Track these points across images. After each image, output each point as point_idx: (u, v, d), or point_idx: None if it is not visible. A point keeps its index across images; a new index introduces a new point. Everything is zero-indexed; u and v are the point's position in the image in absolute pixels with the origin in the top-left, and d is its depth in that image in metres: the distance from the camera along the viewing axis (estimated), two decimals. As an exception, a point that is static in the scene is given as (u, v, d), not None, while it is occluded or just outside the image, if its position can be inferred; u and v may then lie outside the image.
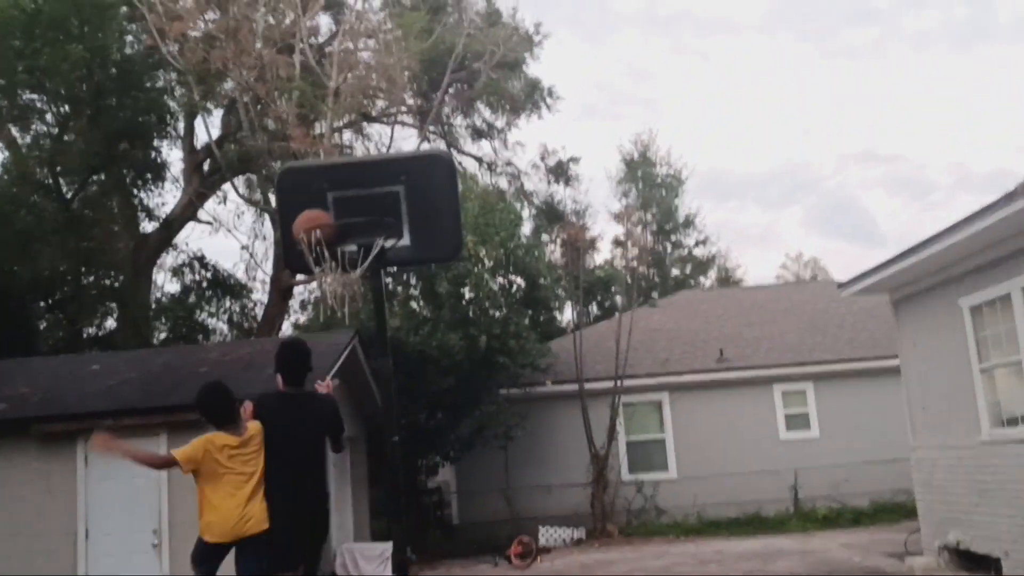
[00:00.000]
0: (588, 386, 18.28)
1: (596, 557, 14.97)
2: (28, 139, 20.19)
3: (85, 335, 20.69)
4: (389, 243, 6.02)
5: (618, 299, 25.75)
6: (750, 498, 17.89)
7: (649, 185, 32.45)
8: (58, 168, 19.01)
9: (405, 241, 6.07)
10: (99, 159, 18.62)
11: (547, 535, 17.23)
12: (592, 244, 27.55)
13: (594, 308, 27.87)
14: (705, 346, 20.10)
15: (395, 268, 13.77)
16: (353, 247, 6.04)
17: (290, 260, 6.35)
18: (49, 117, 19.36)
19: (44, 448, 11.54)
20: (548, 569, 14.24)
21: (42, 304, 20.02)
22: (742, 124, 64.73)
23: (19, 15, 16.53)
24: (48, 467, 11.53)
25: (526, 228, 22.21)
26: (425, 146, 22.71)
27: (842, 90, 64.93)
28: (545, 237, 22.83)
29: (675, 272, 33.78)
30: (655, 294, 26.54)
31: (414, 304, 18.56)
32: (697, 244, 34.70)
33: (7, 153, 20.18)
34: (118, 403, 11.95)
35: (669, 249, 33.92)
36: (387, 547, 13.22)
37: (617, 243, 32.01)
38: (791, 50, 66.07)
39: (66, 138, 19.50)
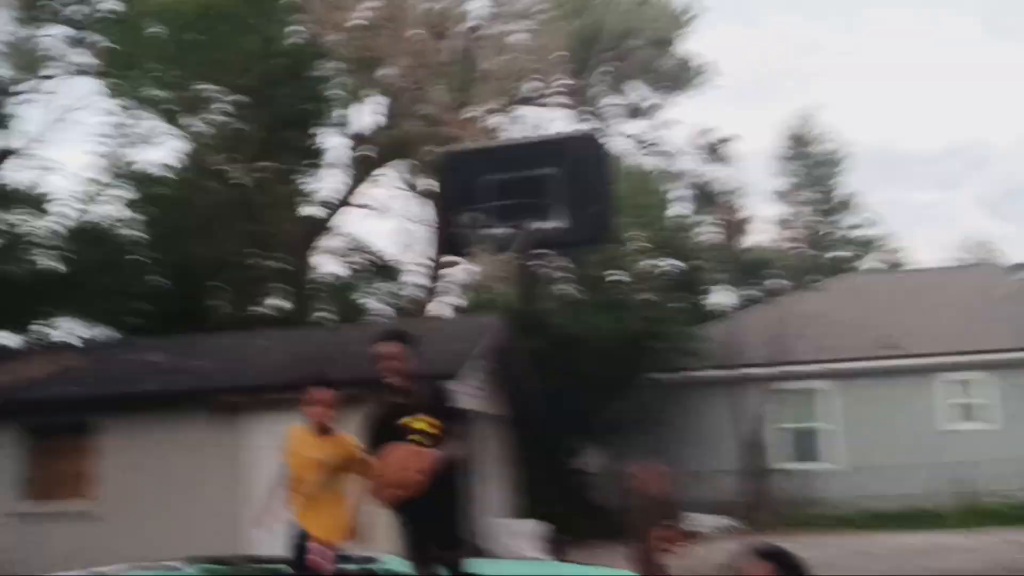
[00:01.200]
0: (742, 372, 17.87)
1: (748, 546, 14.65)
2: (205, 128, 21.41)
3: (254, 314, 21.84)
4: (543, 225, 6.12)
5: (775, 282, 25.00)
6: (913, 491, 17.02)
7: (809, 164, 31.29)
8: (231, 155, 20.09)
9: (558, 223, 6.14)
10: (267, 146, 19.58)
11: (696, 522, 16.98)
12: (747, 225, 26.88)
13: (749, 292, 27.16)
14: (868, 332, 19.22)
15: (547, 250, 13.82)
16: (507, 229, 6.16)
17: (447, 241, 6.53)
18: (222, 106, 20.48)
19: (215, 418, 12.28)
20: (697, 555, 14.05)
21: (216, 283, 21.28)
22: (909, 102, 61.32)
23: (195, 9, 17.55)
24: (220, 436, 12.26)
25: (678, 209, 21.86)
26: (577, 127, 22.65)
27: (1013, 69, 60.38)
28: (698, 218, 22.39)
29: (835, 254, 32.47)
30: (815, 277, 25.58)
31: (564, 286, 18.62)
32: (860, 225, 33.21)
33: (187, 141, 21.52)
34: (284, 378, 12.56)
35: (829, 230, 32.62)
36: (533, 525, 13.38)
37: (775, 224, 31.13)
38: (956, 26, 62.00)
39: (237, 126, 20.57)
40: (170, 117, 21.08)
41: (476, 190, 6.02)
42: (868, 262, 33.25)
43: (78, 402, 12.24)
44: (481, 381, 14.34)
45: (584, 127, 21.97)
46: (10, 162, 19.26)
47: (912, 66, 61.33)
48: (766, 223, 30.83)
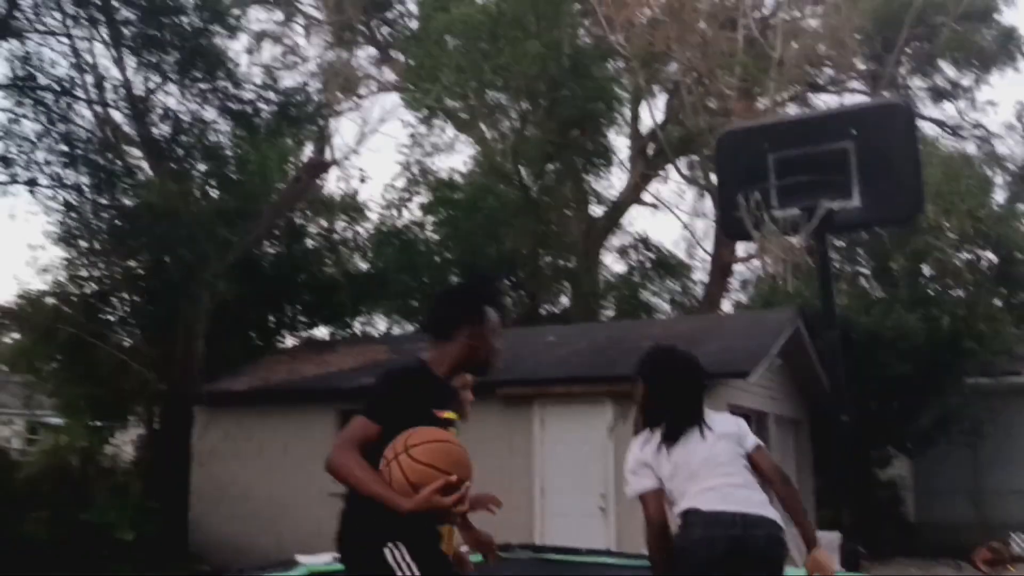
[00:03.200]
0: (1077, 378, 15.66)
1: (1089, 578, 12.74)
2: (495, 134, 22.32)
3: (542, 311, 22.41)
4: (837, 205, 5.57)
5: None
6: None
7: None
8: (519, 158, 20.73)
9: (855, 202, 5.57)
10: (554, 147, 20.00)
11: (1022, 545, 15.07)
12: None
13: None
14: None
15: (844, 236, 12.78)
16: (796, 210, 5.68)
17: (727, 226, 6.16)
18: (512, 112, 21.20)
19: (506, 410, 12.60)
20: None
21: (506, 282, 22.06)
22: None
23: (485, 19, 18.28)
24: (509, 428, 12.58)
25: (999, 196, 19.60)
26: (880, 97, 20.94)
27: None
28: (1023, 207, 19.94)
29: None
30: None
31: (864, 282, 17.31)
32: None
33: (478, 148, 22.57)
34: (568, 371, 12.69)
35: None
36: (834, 537, 12.46)
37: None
38: None
39: (526, 131, 21.20)
40: (464, 125, 22.19)
41: (760, 169, 5.58)
42: None
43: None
44: (774, 381, 13.66)
45: (888, 96, 20.06)
46: (330, 173, 21.18)
47: None
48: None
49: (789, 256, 5.59)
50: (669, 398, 3.67)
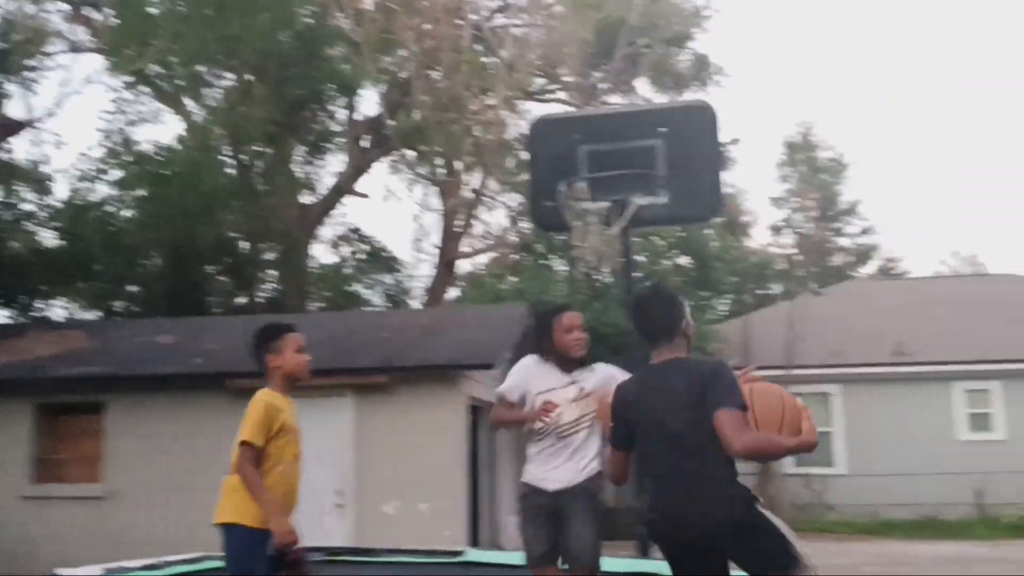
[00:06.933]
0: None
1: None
2: (208, 107, 20.75)
3: (249, 299, 21.25)
4: (646, 200, 5.74)
5: (778, 286, 24.86)
6: (928, 500, 16.90)
7: (811, 169, 31.14)
8: (239, 137, 19.48)
9: (662, 199, 5.77)
10: (276, 127, 19.03)
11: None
12: (746, 229, 26.78)
13: (749, 296, 26.99)
14: (879, 338, 19.08)
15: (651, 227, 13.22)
16: (606, 203, 5.78)
17: (539, 216, 6.14)
18: (231, 85, 19.90)
19: (235, 402, 11.77)
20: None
21: (214, 267, 20.69)
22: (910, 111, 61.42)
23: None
24: (239, 420, 11.77)
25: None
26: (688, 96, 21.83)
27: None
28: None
29: (836, 261, 32.37)
30: (815, 282, 25.47)
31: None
32: (862, 232, 33.14)
33: (183, 122, 20.90)
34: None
35: (830, 237, 32.50)
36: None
37: (774, 229, 31.05)
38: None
39: (243, 108, 19.97)
40: (172, 96, 20.50)
41: (571, 159, 5.61)
42: (867, 269, 33.28)
43: (92, 382, 11.71)
44: (503, 374, 13.96)
45: (695, 97, 20.70)
46: (17, 137, 18.62)
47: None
48: (766, 228, 30.83)
49: (607, 248, 5.67)
50: None
